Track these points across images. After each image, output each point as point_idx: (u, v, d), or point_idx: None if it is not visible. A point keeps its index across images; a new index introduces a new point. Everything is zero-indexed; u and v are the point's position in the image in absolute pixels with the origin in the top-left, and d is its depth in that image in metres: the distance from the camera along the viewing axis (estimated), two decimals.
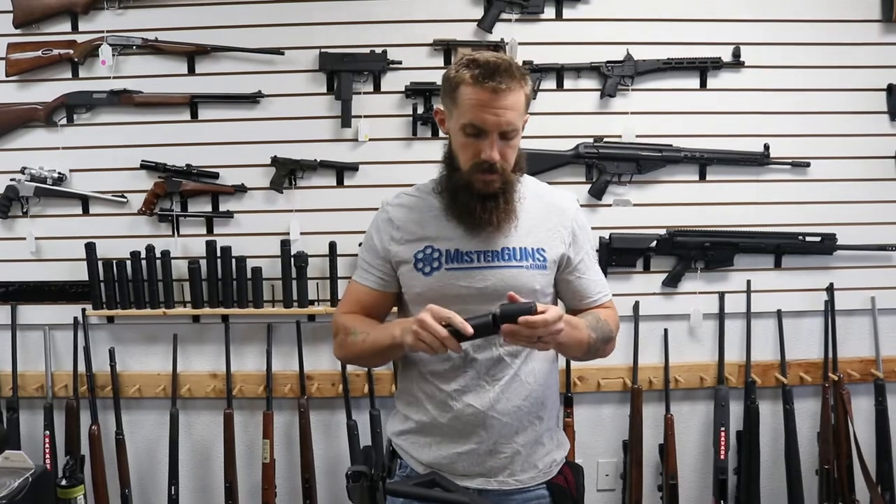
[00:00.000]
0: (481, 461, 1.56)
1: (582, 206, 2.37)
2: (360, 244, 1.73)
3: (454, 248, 1.55)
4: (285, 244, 2.41)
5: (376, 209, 1.68)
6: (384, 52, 2.39)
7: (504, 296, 1.43)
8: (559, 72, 2.41)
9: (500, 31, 2.39)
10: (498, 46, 2.37)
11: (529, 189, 1.61)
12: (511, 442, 1.57)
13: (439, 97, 1.61)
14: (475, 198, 1.51)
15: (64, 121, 2.42)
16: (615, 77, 2.40)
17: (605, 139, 2.43)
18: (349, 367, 2.44)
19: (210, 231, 2.47)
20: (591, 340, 1.53)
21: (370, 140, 2.42)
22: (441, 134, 2.31)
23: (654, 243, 2.45)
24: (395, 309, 1.69)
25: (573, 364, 2.46)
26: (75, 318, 2.46)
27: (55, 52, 2.38)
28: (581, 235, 1.63)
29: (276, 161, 2.41)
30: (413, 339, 1.39)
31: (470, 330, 1.35)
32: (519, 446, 1.57)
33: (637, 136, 2.43)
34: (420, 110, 2.40)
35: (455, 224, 1.55)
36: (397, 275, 1.61)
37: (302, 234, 2.45)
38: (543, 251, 1.57)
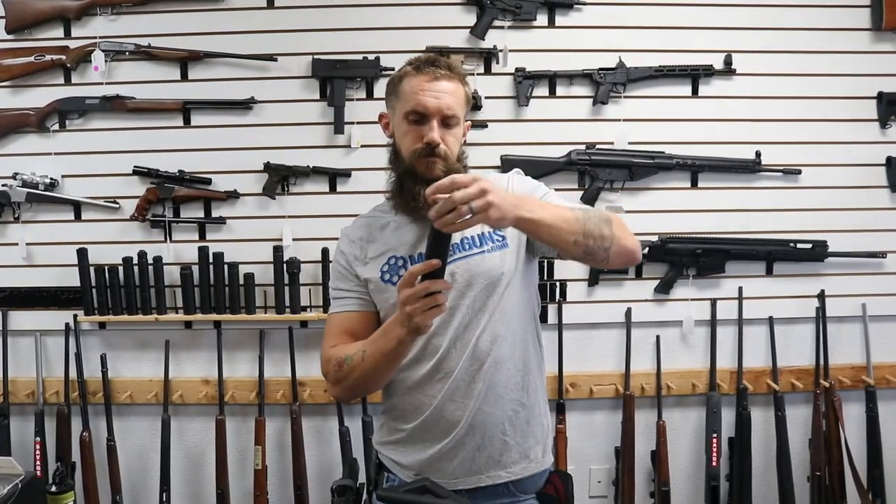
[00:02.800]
0: (471, 458, 1.56)
1: None
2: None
3: (416, 252, 1.56)
4: (278, 250, 2.41)
5: None
6: (377, 59, 2.39)
7: (472, 282, 1.51)
8: (551, 79, 2.42)
9: (492, 38, 2.40)
10: (491, 53, 2.39)
11: None
12: (499, 433, 1.56)
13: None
14: (420, 182, 1.51)
15: (56, 126, 2.42)
16: (607, 84, 2.41)
17: (598, 146, 2.44)
18: None
19: (202, 237, 2.47)
20: (578, 215, 1.41)
21: (363, 146, 2.43)
22: None
23: (646, 250, 2.45)
24: None
25: (566, 370, 2.46)
26: (67, 324, 2.45)
27: (47, 57, 2.38)
28: (527, 192, 1.58)
29: (268, 167, 2.41)
30: (419, 319, 1.32)
31: (434, 262, 1.29)
32: (507, 437, 1.57)
33: (629, 143, 2.44)
34: None
35: (411, 226, 1.58)
36: (370, 292, 1.61)
37: (294, 240, 2.45)
38: (500, 230, 1.57)
